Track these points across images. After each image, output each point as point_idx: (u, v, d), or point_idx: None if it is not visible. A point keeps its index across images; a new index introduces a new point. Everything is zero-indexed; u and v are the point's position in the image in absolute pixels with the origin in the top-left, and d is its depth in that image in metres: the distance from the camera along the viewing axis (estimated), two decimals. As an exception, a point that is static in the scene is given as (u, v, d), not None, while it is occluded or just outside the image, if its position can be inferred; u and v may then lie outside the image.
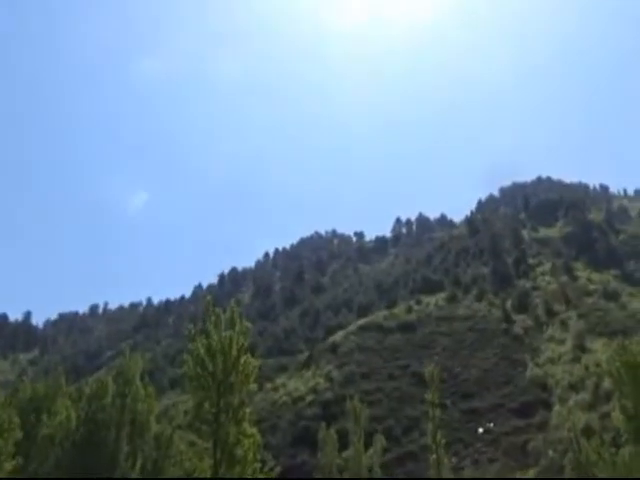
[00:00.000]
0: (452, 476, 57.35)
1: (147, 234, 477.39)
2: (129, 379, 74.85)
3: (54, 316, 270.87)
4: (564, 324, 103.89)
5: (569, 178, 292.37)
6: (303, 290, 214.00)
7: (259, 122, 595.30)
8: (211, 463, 20.94)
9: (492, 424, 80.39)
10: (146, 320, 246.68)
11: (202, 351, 21.86)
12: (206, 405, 21.54)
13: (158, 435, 72.24)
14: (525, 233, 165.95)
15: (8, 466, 59.35)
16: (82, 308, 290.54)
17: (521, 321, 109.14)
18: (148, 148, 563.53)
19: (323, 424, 65.27)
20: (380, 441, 64.87)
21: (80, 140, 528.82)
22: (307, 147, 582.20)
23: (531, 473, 67.60)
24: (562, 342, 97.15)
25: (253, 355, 23.44)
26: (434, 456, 45.85)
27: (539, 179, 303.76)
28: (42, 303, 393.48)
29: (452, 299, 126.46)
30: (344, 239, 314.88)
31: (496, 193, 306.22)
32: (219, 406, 21.54)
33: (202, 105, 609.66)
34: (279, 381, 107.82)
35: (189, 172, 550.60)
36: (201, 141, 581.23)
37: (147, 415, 74.07)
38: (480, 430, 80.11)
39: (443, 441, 47.52)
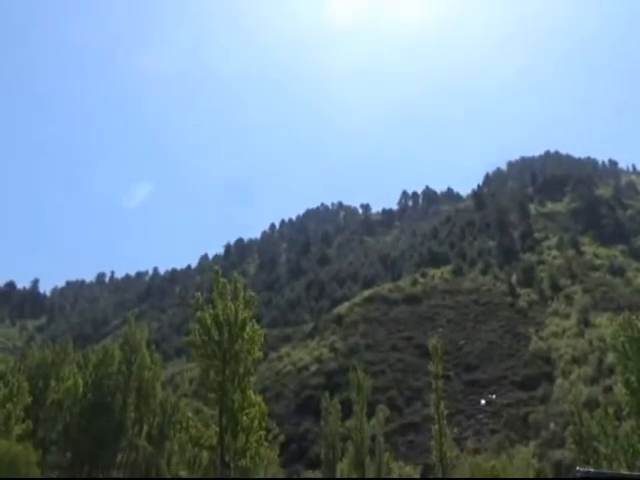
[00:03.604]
0: (454, 446, 57.83)
1: (155, 207, 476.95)
2: (135, 347, 75.68)
3: (61, 284, 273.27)
4: (569, 298, 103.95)
5: (578, 153, 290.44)
6: (309, 262, 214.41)
7: (261, 100, 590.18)
8: (216, 430, 21.10)
9: (494, 396, 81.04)
10: (152, 289, 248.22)
11: (209, 320, 21.91)
12: (212, 373, 21.71)
13: (164, 402, 73.22)
14: (532, 208, 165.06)
15: (18, 430, 60.41)
16: (89, 277, 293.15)
17: (526, 295, 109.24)
18: (150, 137, 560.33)
19: (327, 393, 65.70)
20: (383, 411, 65.43)
21: (90, 131, 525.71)
22: (312, 120, 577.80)
23: (532, 445, 68.28)
24: (566, 316, 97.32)
25: (258, 325, 23.41)
26: (436, 427, 46.23)
27: (547, 154, 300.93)
28: (49, 271, 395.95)
29: (457, 272, 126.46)
30: (350, 211, 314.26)
31: (504, 167, 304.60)
32: (225, 374, 21.69)
33: (203, 88, 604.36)
34: (283, 351, 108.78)
35: (194, 149, 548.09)
36: (203, 118, 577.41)
37: (153, 382, 75.08)
38: (482, 402, 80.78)
39: (445, 412, 47.95)
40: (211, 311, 21.95)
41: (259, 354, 22.12)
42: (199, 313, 22.16)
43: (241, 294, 23.00)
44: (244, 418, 21.11)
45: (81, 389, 70.71)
